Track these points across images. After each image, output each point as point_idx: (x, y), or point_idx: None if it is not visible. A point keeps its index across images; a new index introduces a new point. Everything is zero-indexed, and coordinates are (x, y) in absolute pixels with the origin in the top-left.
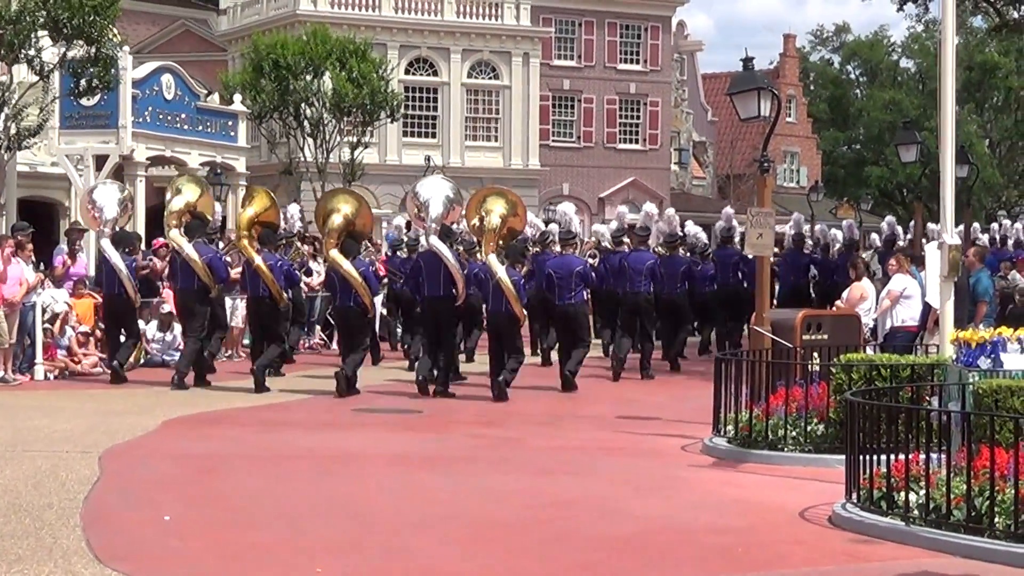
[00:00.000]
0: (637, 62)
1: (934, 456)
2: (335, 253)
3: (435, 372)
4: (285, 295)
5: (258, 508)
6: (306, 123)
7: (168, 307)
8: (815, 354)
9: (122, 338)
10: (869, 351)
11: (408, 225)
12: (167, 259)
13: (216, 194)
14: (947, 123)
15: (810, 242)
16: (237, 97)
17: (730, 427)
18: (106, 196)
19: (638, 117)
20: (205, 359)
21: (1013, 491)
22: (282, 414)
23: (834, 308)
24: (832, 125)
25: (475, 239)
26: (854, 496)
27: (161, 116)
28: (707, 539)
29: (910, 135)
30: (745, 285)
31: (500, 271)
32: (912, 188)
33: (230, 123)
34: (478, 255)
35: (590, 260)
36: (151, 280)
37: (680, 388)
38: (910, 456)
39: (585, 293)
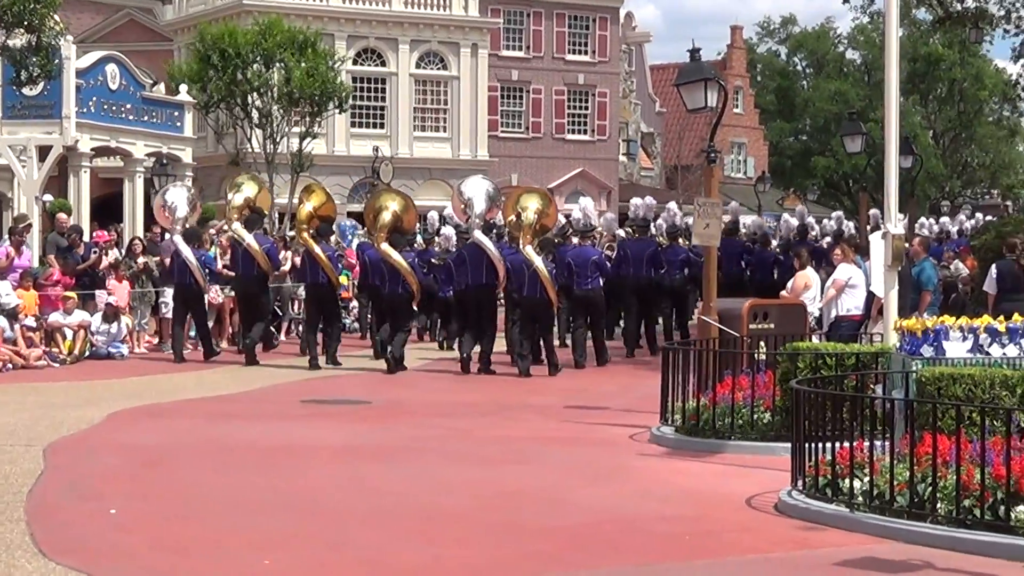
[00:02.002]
0: (585, 53)
1: (878, 443)
2: (385, 246)
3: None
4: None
5: (205, 500)
6: (254, 113)
7: (112, 299)
8: (761, 343)
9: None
10: (815, 340)
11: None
12: (228, 249)
13: (161, 185)
14: (892, 114)
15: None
16: (183, 87)
17: (678, 416)
18: (177, 196)
19: (586, 108)
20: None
21: (955, 477)
22: (229, 405)
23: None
24: (779, 116)
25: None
26: (800, 483)
27: (106, 106)
28: (654, 527)
29: (855, 126)
30: (749, 273)
31: (537, 261)
32: (858, 178)
33: (176, 113)
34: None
35: (606, 252)
36: (94, 273)
37: (628, 377)
38: (855, 443)
39: (600, 280)
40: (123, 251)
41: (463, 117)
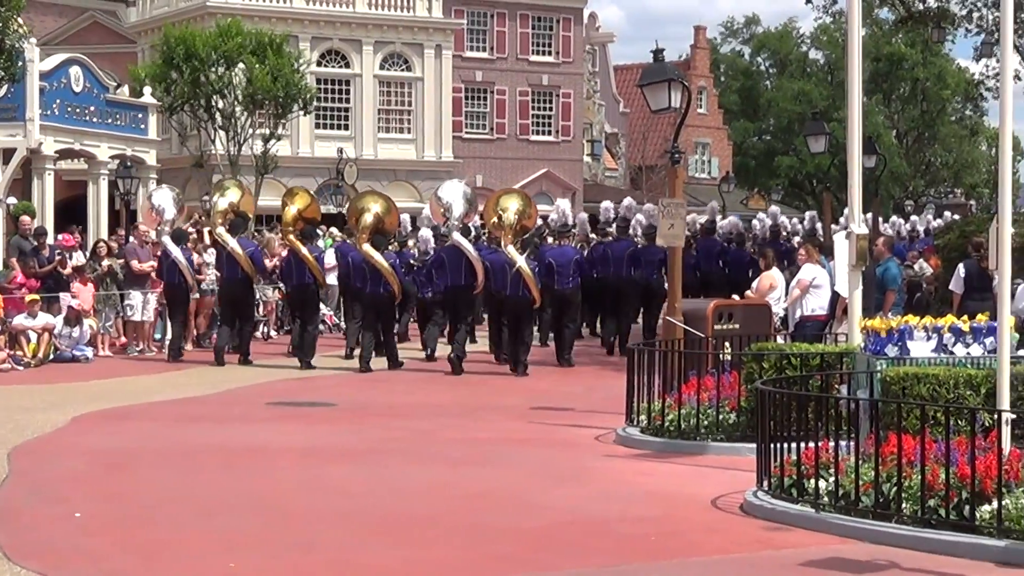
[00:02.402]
0: (549, 54)
1: (843, 443)
2: (368, 247)
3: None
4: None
5: (170, 503)
6: (218, 115)
7: (76, 303)
8: (727, 343)
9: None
10: (780, 340)
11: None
12: (209, 252)
13: (126, 188)
14: (854, 114)
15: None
16: (147, 89)
17: (643, 417)
18: (164, 199)
19: (550, 109)
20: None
21: (920, 477)
22: (195, 408)
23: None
24: (743, 116)
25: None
26: (765, 484)
27: (69, 109)
28: (620, 529)
29: (819, 126)
30: (727, 272)
31: (520, 260)
32: (821, 178)
33: (140, 116)
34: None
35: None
36: (59, 276)
37: (594, 378)
38: (820, 444)
39: (579, 279)
40: (87, 254)
41: (427, 118)
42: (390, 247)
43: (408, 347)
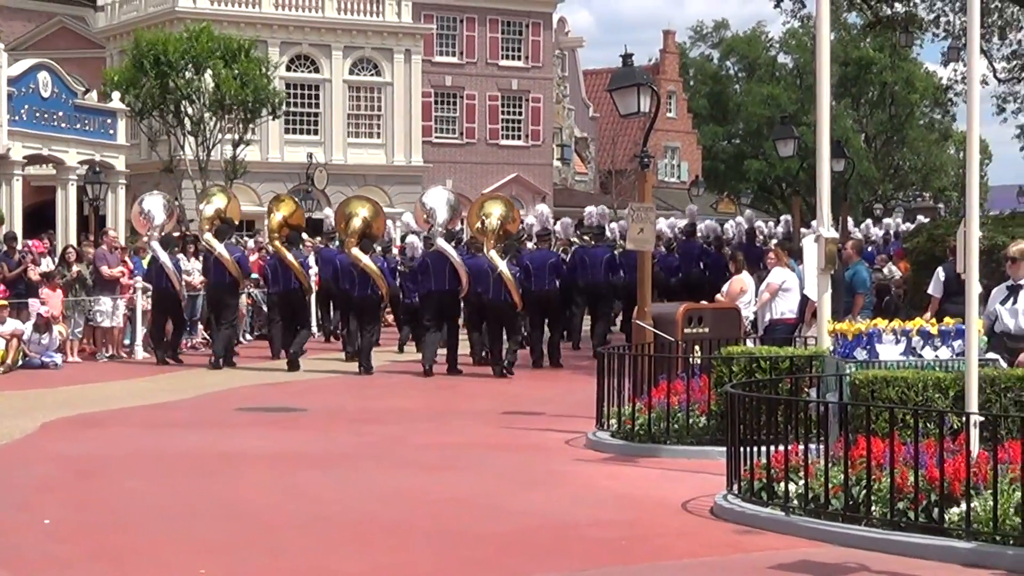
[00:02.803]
0: (519, 58)
1: (813, 447)
2: (356, 250)
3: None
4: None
5: (139, 510)
6: (187, 121)
7: (45, 309)
8: (696, 347)
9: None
10: (749, 344)
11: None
12: (200, 257)
13: (95, 193)
14: (823, 118)
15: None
16: (116, 95)
17: (613, 421)
18: (154, 205)
19: (520, 113)
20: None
21: (889, 480)
22: (164, 414)
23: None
24: (712, 120)
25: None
26: (735, 487)
27: (38, 114)
28: (591, 533)
29: (787, 130)
30: (707, 274)
31: (502, 265)
32: (790, 182)
33: (109, 121)
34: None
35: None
36: (29, 281)
37: (565, 382)
38: (789, 447)
39: (556, 282)
40: (56, 260)
41: (397, 123)
42: (377, 251)
43: (383, 351)
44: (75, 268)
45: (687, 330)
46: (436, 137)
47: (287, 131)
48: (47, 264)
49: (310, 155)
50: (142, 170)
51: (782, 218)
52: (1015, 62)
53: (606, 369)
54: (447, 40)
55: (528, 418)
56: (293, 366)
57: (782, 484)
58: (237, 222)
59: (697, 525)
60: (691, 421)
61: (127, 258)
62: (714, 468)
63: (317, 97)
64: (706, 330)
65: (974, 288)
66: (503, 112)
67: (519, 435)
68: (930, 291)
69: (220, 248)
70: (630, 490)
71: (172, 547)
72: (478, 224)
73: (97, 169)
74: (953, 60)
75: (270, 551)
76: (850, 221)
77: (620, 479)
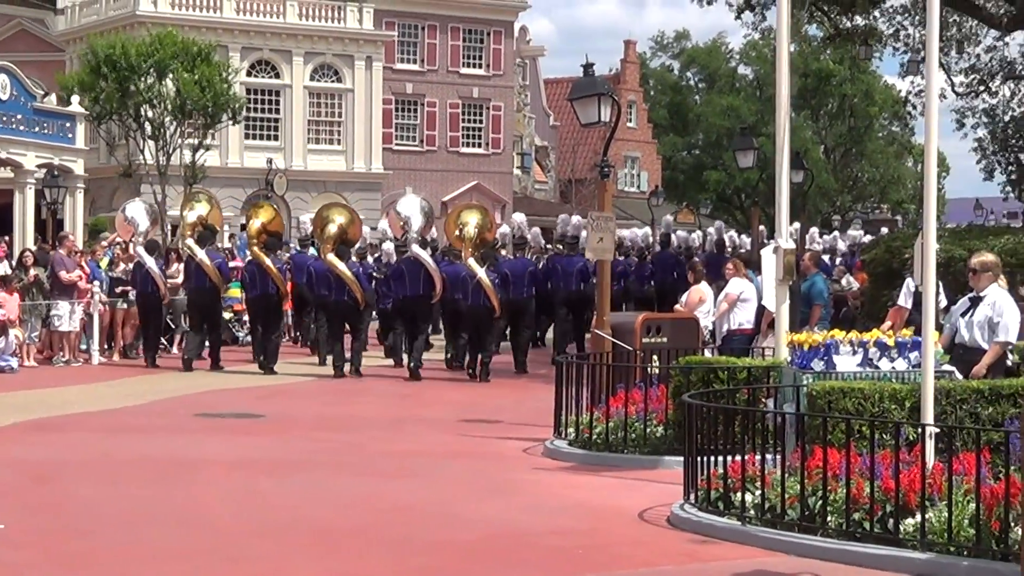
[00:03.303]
0: (480, 66)
1: (769, 457)
2: (332, 256)
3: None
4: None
5: (95, 515)
6: (147, 125)
7: (2, 313)
8: (655, 357)
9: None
10: (707, 354)
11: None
12: (183, 262)
13: (53, 197)
14: (783, 129)
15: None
16: (75, 98)
17: (571, 429)
18: (137, 211)
19: (481, 121)
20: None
21: (845, 490)
22: (122, 419)
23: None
24: (672, 130)
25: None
26: (692, 497)
27: None
28: (547, 541)
29: (747, 141)
30: (681, 284)
31: (480, 272)
32: (750, 193)
33: (68, 124)
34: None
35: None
36: None
37: (523, 390)
38: (746, 457)
39: (533, 290)
40: (13, 263)
41: (357, 130)
42: (353, 258)
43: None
44: (32, 272)
45: (645, 339)
46: (396, 144)
47: (247, 136)
48: (4, 268)
49: (270, 161)
50: (101, 174)
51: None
52: (973, 76)
53: (564, 378)
54: (408, 47)
55: (486, 426)
56: (268, 371)
57: (739, 494)
58: (219, 228)
59: (654, 534)
60: (648, 430)
61: (83, 263)
62: (671, 477)
63: (277, 103)
64: (664, 340)
65: (931, 300)
66: (464, 120)
67: (477, 443)
68: (899, 302)
69: (201, 254)
70: (587, 499)
71: (129, 554)
72: (456, 232)
73: (55, 173)
74: (912, 73)
75: (227, 558)
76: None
77: (577, 488)
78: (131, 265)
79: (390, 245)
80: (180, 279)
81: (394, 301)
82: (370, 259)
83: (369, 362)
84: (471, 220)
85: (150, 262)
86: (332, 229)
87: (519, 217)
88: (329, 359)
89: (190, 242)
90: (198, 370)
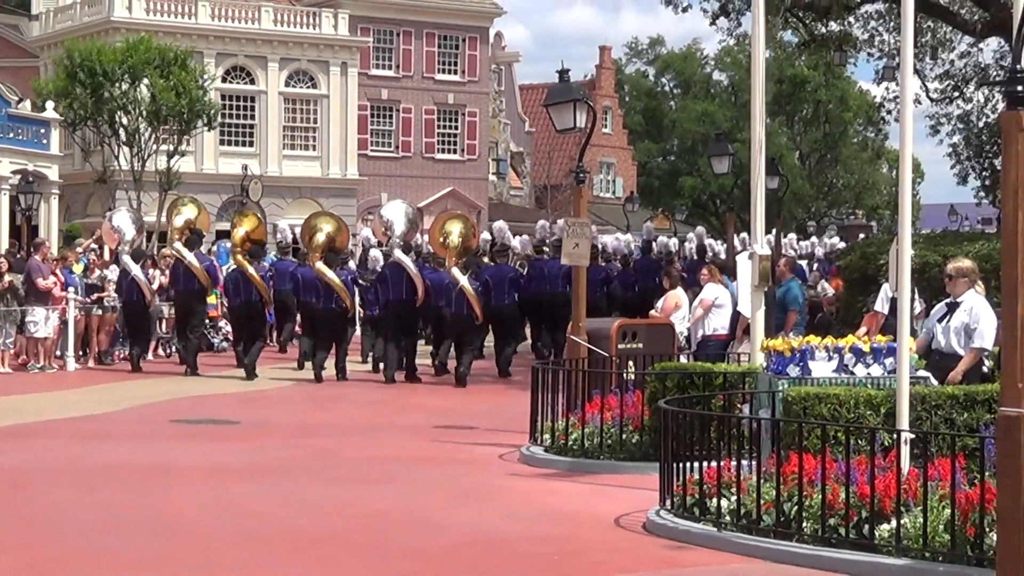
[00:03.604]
0: (455, 72)
1: (745, 463)
2: (320, 264)
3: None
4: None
5: (71, 522)
6: (122, 131)
7: None
8: (630, 363)
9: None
10: (683, 359)
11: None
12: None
13: (27, 203)
14: (758, 135)
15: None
16: (50, 104)
17: (547, 436)
18: (123, 220)
19: (456, 127)
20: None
21: (820, 496)
22: (96, 426)
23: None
24: (647, 136)
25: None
26: (668, 503)
27: None
28: (523, 548)
29: (722, 147)
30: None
31: (463, 280)
32: (725, 199)
33: (42, 131)
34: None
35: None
36: None
37: (498, 396)
38: (722, 463)
39: (515, 296)
40: None
41: (333, 136)
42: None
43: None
44: (7, 278)
45: (621, 345)
46: (372, 150)
47: (222, 143)
48: None
49: (245, 167)
50: (75, 180)
51: (741, 235)
52: (947, 82)
53: (540, 384)
54: (383, 53)
55: (461, 432)
56: (250, 375)
57: (714, 500)
58: (206, 233)
59: (630, 540)
60: (624, 436)
61: (58, 270)
62: (647, 483)
63: (253, 109)
64: (640, 345)
65: (906, 306)
66: (439, 126)
67: (452, 449)
68: (876, 307)
69: (190, 257)
70: (563, 505)
71: (103, 561)
72: (440, 240)
73: (30, 179)
74: (887, 79)
75: (202, 565)
76: (793, 238)
77: (553, 494)
78: (106, 271)
79: (377, 252)
80: (155, 286)
81: (379, 306)
82: (352, 264)
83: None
84: (454, 229)
85: (136, 270)
86: (320, 238)
87: (501, 224)
88: (308, 364)
89: (178, 245)
90: (175, 375)
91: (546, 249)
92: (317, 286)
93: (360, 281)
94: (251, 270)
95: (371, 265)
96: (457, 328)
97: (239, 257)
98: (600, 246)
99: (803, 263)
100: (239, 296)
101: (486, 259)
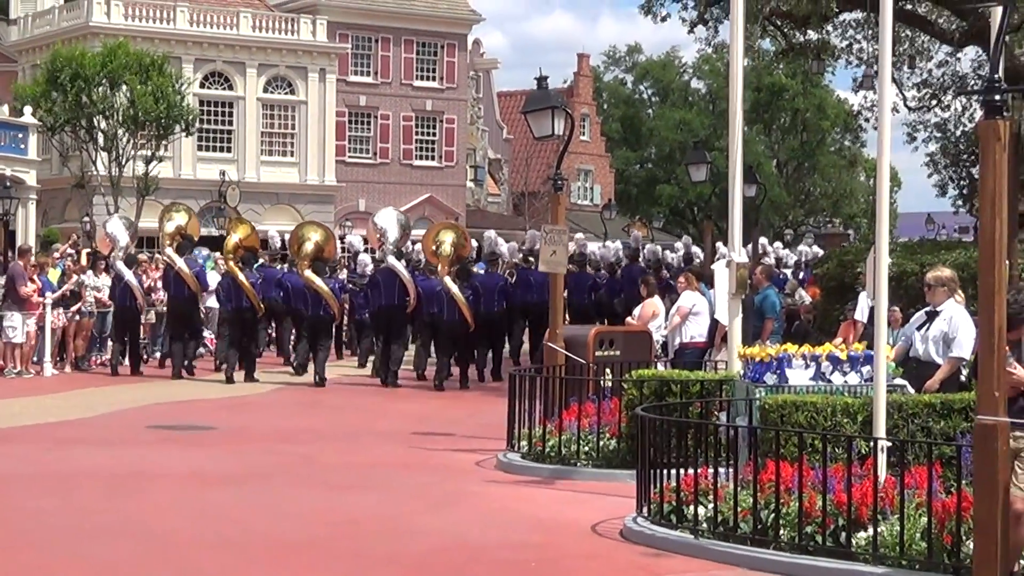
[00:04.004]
0: (433, 79)
1: (722, 470)
2: (309, 272)
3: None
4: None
5: (46, 528)
6: (100, 136)
7: None
8: (607, 370)
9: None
10: (660, 367)
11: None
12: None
13: (5, 208)
14: (736, 143)
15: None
16: (28, 109)
17: (524, 443)
18: (116, 227)
19: (434, 134)
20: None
21: (797, 504)
22: (72, 431)
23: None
24: (625, 144)
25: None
26: (645, 510)
27: None
28: (500, 555)
29: (700, 155)
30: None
31: (454, 288)
32: (702, 206)
33: (20, 135)
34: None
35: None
36: None
37: (476, 403)
38: (699, 470)
39: (504, 304)
40: None
41: (311, 142)
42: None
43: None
44: None
45: (598, 353)
46: (349, 156)
47: (200, 148)
48: None
49: (223, 172)
50: (53, 185)
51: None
52: (925, 91)
53: (517, 391)
54: (362, 60)
55: (438, 439)
56: (251, 379)
57: (691, 507)
58: (197, 238)
59: (607, 548)
60: (601, 444)
61: (35, 276)
62: (624, 491)
63: (231, 114)
64: (617, 353)
65: (883, 314)
66: (417, 132)
67: (429, 456)
68: (856, 316)
69: (180, 263)
70: (540, 512)
71: (79, 566)
72: (433, 249)
73: (7, 184)
74: (865, 88)
75: (178, 571)
76: (779, 245)
77: (530, 501)
78: (83, 276)
79: (366, 257)
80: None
81: (370, 310)
82: (344, 275)
83: (336, 372)
84: (447, 239)
85: (129, 275)
86: (309, 247)
87: (491, 233)
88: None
89: (169, 251)
90: (156, 379)
91: (532, 258)
92: (306, 294)
93: (351, 285)
94: (241, 277)
95: (360, 269)
96: (449, 334)
97: (231, 264)
98: (587, 254)
99: (788, 271)
100: (231, 302)
101: (474, 267)
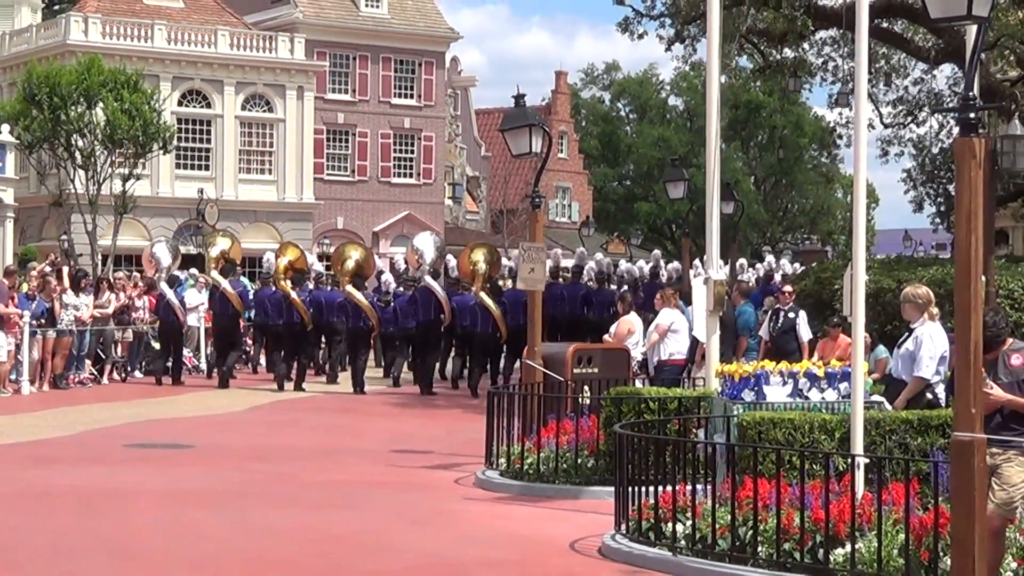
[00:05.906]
0: (411, 97)
1: (700, 487)
2: (350, 287)
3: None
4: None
5: (20, 547)
6: (77, 154)
7: None
8: (586, 387)
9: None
10: (638, 384)
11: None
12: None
13: None
14: (713, 160)
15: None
16: (5, 127)
17: (502, 460)
18: (161, 250)
19: (412, 151)
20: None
21: (775, 520)
22: (49, 450)
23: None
24: (603, 161)
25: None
26: (623, 527)
27: None
28: (478, 572)
29: (678, 172)
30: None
31: (490, 302)
32: (680, 224)
33: None
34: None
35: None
36: None
37: (455, 420)
38: (677, 487)
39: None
40: None
41: (289, 160)
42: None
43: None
44: None
45: (576, 370)
46: (328, 174)
47: (178, 166)
48: None
49: (201, 191)
50: (31, 203)
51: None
52: (900, 108)
53: (496, 408)
54: (340, 77)
55: (417, 456)
56: (299, 389)
57: (670, 524)
58: (239, 261)
59: (585, 565)
60: (580, 461)
61: (14, 295)
62: (602, 508)
63: (209, 132)
64: (595, 370)
65: (860, 331)
66: (395, 150)
67: (408, 473)
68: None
69: (225, 284)
70: (519, 529)
71: None
72: (469, 267)
73: None
74: (841, 104)
75: None
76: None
77: (509, 518)
78: (64, 296)
79: (389, 276)
80: (110, 309)
81: (409, 326)
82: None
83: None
84: (480, 258)
85: (170, 295)
86: (350, 264)
87: (515, 252)
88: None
89: (215, 274)
90: (130, 399)
91: (566, 274)
92: (346, 307)
93: (378, 302)
94: (293, 295)
95: (384, 288)
96: (482, 346)
97: (282, 283)
98: (611, 271)
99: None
100: (282, 317)
101: (500, 283)
